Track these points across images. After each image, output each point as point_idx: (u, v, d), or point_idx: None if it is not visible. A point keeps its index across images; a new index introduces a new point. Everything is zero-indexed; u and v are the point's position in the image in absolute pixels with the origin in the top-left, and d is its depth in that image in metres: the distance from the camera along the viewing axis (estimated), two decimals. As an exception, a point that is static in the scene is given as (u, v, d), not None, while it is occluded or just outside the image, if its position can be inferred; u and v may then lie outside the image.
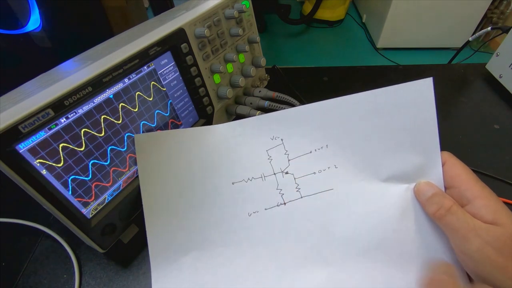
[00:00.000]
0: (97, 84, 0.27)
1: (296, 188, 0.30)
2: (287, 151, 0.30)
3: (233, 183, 0.31)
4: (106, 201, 0.30)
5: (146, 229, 0.29)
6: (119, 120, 0.30)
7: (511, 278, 0.21)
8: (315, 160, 0.29)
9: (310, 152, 0.30)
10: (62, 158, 0.26)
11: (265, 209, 0.30)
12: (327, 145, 0.29)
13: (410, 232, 0.28)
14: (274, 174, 0.30)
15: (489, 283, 0.23)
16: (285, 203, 0.30)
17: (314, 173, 0.30)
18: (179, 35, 0.34)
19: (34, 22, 0.50)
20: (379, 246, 0.28)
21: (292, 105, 0.43)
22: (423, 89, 0.26)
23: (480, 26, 1.77)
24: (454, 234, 0.24)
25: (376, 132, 0.28)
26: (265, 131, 0.30)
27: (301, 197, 0.29)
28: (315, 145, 0.29)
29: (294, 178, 0.30)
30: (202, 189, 0.31)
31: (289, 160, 0.30)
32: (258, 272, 0.28)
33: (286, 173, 0.30)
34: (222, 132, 0.32)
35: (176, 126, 0.37)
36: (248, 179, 0.31)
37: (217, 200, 0.31)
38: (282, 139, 0.30)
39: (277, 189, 0.30)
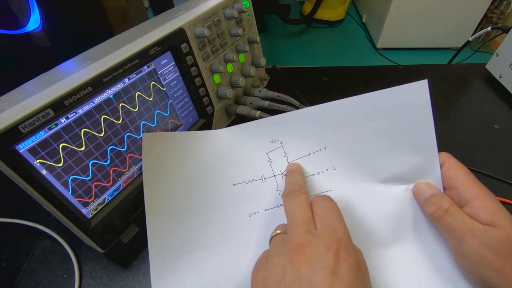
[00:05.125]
0: (97, 84, 0.27)
1: None
2: (286, 153, 0.30)
3: (234, 185, 0.31)
4: (106, 201, 0.30)
5: (147, 228, 0.29)
6: (119, 120, 0.30)
7: (508, 279, 0.21)
8: (314, 162, 0.30)
9: (309, 154, 0.30)
10: (62, 158, 0.26)
11: (265, 209, 0.30)
12: (325, 147, 0.29)
13: (409, 232, 0.28)
14: (274, 176, 0.31)
15: (485, 284, 0.23)
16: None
17: (313, 174, 0.30)
18: (179, 35, 0.34)
19: (34, 22, 0.50)
20: (377, 247, 0.28)
21: (292, 105, 0.43)
22: (419, 91, 0.26)
23: (480, 26, 1.77)
24: (451, 235, 0.24)
25: (373, 134, 0.28)
26: (265, 135, 0.31)
27: None
28: (313, 147, 0.30)
29: None
30: (204, 190, 0.31)
31: (288, 162, 0.30)
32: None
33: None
34: (224, 136, 0.33)
35: (176, 126, 0.37)
36: (249, 180, 0.31)
37: (218, 201, 0.31)
38: (281, 142, 0.30)
39: (277, 190, 0.30)
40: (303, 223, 0.23)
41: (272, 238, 0.25)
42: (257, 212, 0.30)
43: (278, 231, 0.25)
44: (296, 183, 0.27)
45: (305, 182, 0.28)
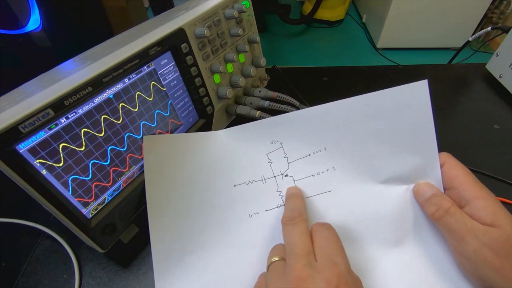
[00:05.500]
0: (97, 84, 0.27)
1: None
2: (286, 154, 0.30)
3: (234, 186, 0.31)
4: (106, 201, 0.30)
5: (150, 230, 0.29)
6: (119, 120, 0.30)
7: (508, 280, 0.21)
8: (314, 163, 0.30)
9: (309, 155, 0.30)
10: (62, 158, 0.26)
11: (266, 210, 0.30)
12: (325, 148, 0.29)
13: (409, 233, 0.28)
14: (274, 176, 0.31)
15: (486, 285, 0.23)
16: (285, 205, 0.30)
17: (313, 175, 0.30)
18: (179, 35, 0.34)
19: (34, 22, 0.50)
20: (378, 247, 0.28)
21: (292, 105, 0.43)
22: (418, 91, 0.26)
23: (480, 26, 1.77)
24: (451, 235, 0.24)
25: (373, 135, 0.28)
26: (265, 135, 0.31)
27: None
28: (313, 148, 0.30)
29: (294, 181, 0.30)
30: (205, 191, 0.31)
31: (288, 163, 0.30)
32: (259, 272, 0.28)
33: (286, 175, 0.30)
34: (225, 137, 0.33)
35: (176, 126, 0.37)
36: (249, 181, 0.31)
37: (219, 202, 0.31)
38: (281, 143, 0.30)
39: (277, 191, 0.30)
40: (303, 255, 0.23)
41: (270, 265, 0.25)
42: (258, 213, 0.30)
43: (276, 258, 0.25)
44: (296, 209, 0.27)
45: (305, 207, 0.28)
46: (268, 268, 0.25)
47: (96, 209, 0.29)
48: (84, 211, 0.28)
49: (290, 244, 0.24)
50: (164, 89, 0.34)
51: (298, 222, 0.25)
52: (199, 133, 0.33)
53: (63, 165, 0.26)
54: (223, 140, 0.33)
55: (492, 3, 1.68)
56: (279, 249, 0.26)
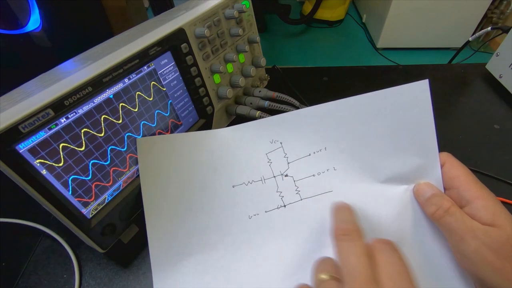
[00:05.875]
0: (97, 84, 0.27)
1: (296, 190, 0.30)
2: (286, 154, 0.30)
3: (233, 186, 0.31)
4: (106, 201, 0.30)
5: (147, 233, 0.29)
6: (119, 120, 0.30)
7: (508, 280, 0.21)
8: (314, 163, 0.30)
9: (309, 154, 0.30)
10: (62, 158, 0.26)
11: (265, 211, 0.30)
12: (325, 148, 0.29)
13: (408, 233, 0.28)
14: (274, 177, 0.30)
15: (486, 285, 0.23)
16: (285, 206, 0.30)
17: (314, 175, 0.30)
18: (179, 35, 0.34)
19: (34, 22, 0.50)
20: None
21: (292, 105, 0.43)
22: (419, 91, 0.26)
23: (480, 26, 1.77)
24: (452, 235, 0.24)
25: (373, 134, 0.28)
26: (265, 135, 0.31)
27: (301, 199, 0.30)
28: (314, 147, 0.29)
29: (294, 181, 0.30)
30: (203, 192, 0.31)
31: (288, 163, 0.30)
32: (258, 275, 0.28)
33: (286, 175, 0.30)
34: (223, 136, 0.32)
35: (176, 126, 0.37)
36: (249, 182, 0.31)
37: (218, 203, 0.31)
38: (281, 143, 0.30)
39: (277, 191, 0.30)
40: (367, 282, 0.20)
41: (320, 284, 0.22)
42: (257, 214, 0.30)
43: (325, 277, 0.22)
44: (350, 221, 0.24)
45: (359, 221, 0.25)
46: (317, 286, 0.22)
47: (96, 209, 0.29)
48: (84, 211, 0.28)
49: (349, 267, 0.22)
50: (164, 89, 0.34)
51: (356, 240, 0.23)
52: (196, 132, 0.33)
53: (63, 165, 0.26)
54: (221, 139, 0.32)
55: (492, 3, 1.68)
56: (327, 265, 0.23)
